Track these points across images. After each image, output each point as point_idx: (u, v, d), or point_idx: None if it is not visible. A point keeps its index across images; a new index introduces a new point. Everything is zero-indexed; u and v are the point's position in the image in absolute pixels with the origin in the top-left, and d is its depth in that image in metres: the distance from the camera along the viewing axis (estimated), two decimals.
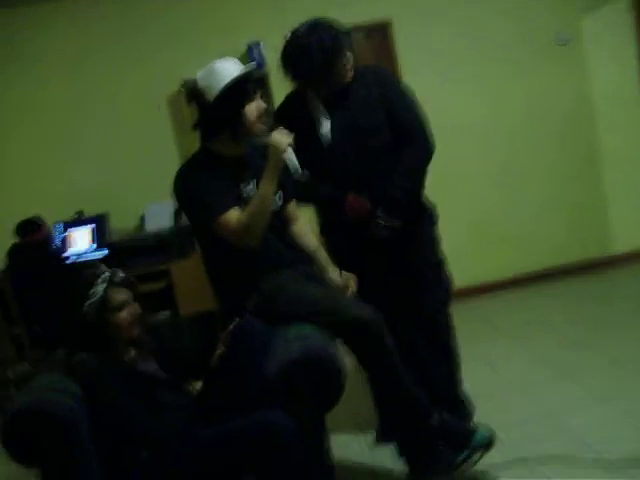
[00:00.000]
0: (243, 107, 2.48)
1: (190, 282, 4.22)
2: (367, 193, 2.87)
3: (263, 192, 2.46)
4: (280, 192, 2.63)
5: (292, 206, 2.78)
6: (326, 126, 2.87)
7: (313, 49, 2.70)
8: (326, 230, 3.10)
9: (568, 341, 4.13)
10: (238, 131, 2.52)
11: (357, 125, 2.83)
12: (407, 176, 2.88)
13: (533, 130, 5.59)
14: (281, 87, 5.19)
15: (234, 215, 2.43)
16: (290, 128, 2.54)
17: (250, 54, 5.13)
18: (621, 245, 5.77)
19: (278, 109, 3.10)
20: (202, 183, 2.48)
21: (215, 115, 2.49)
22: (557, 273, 5.58)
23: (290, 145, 2.48)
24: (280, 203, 2.65)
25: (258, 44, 5.14)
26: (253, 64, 2.69)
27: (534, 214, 5.63)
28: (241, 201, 2.49)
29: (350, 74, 2.86)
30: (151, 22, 5.19)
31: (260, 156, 2.54)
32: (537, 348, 4.11)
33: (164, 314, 4.72)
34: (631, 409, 3.11)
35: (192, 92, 2.56)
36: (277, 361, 2.31)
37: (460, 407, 3.06)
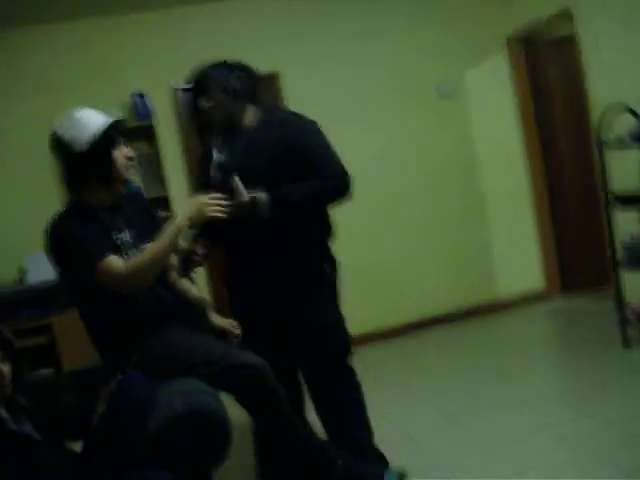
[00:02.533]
0: (112, 154, 2.50)
1: (73, 337, 4.07)
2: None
3: (163, 243, 2.44)
4: None
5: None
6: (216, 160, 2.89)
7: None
8: (229, 277, 3.07)
9: (453, 386, 4.23)
10: (109, 178, 2.52)
11: (235, 168, 2.78)
12: (302, 188, 2.77)
13: (416, 178, 5.78)
14: (168, 138, 5.26)
15: (115, 260, 2.40)
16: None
17: (135, 105, 5.09)
18: (505, 291, 5.99)
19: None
20: (77, 233, 2.43)
21: (85, 164, 2.47)
22: (442, 320, 5.73)
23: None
24: None
25: (143, 95, 5.11)
26: (118, 113, 2.69)
27: (417, 261, 5.78)
28: (117, 249, 2.47)
29: (247, 120, 2.88)
30: (36, 70, 5.09)
31: (131, 203, 2.57)
32: (419, 394, 4.19)
33: (46, 371, 4.52)
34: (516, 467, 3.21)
35: (57, 144, 2.51)
36: (160, 417, 2.26)
37: (371, 453, 3.01)
